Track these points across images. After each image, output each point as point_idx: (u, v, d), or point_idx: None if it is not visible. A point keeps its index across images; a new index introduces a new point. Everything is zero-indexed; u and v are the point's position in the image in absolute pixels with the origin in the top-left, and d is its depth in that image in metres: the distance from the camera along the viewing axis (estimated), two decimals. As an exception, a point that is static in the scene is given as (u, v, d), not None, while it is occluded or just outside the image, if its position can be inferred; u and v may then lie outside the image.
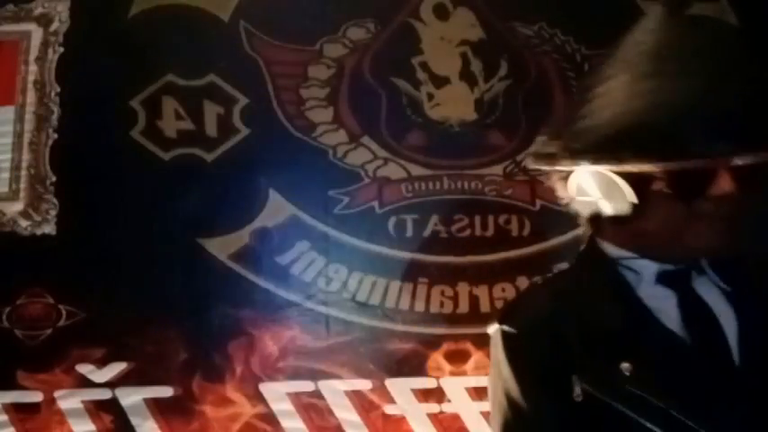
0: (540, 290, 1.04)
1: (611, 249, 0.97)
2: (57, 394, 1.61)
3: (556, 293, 0.99)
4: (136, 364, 1.64)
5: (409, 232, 1.77)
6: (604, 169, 0.90)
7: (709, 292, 0.93)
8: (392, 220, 1.78)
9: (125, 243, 1.69)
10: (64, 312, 1.66)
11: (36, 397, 1.61)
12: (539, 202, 1.81)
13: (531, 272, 1.76)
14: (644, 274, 0.94)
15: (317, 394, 1.66)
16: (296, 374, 1.67)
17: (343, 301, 1.72)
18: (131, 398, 1.62)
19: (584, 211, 0.98)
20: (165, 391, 1.63)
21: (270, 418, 1.64)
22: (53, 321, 1.66)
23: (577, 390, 0.88)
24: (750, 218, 0.92)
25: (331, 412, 1.65)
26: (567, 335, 0.91)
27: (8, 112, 1.77)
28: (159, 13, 1.83)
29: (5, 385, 1.61)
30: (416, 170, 1.80)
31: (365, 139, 1.81)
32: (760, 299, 0.93)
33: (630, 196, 0.89)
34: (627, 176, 0.89)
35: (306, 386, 1.66)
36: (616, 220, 0.93)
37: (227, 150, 1.77)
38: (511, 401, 0.95)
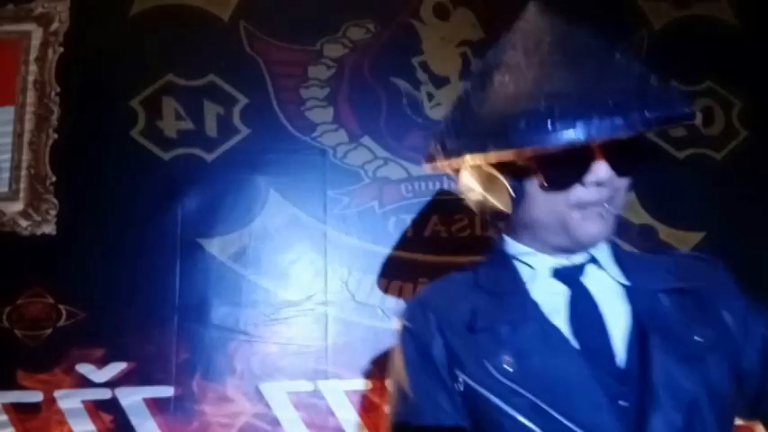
0: (442, 285, 1.05)
1: (511, 244, 1.00)
2: (57, 394, 1.61)
3: (455, 288, 1.01)
4: (136, 364, 1.64)
5: (409, 232, 1.77)
6: (481, 164, 0.92)
7: (604, 288, 0.93)
8: (392, 220, 1.78)
9: (125, 243, 1.69)
10: (64, 312, 1.66)
11: (36, 397, 1.61)
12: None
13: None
14: (539, 269, 0.95)
15: (317, 394, 1.66)
16: (296, 374, 1.67)
17: (342, 301, 1.72)
18: (131, 398, 1.62)
19: (476, 207, 1.00)
20: (165, 391, 1.63)
21: (270, 418, 1.64)
22: (53, 321, 1.66)
23: (459, 380, 0.90)
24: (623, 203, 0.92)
25: (331, 412, 1.65)
26: (455, 328, 0.93)
27: (8, 112, 1.77)
28: (159, 13, 1.83)
29: (5, 385, 1.61)
30: (416, 170, 1.80)
31: (365, 139, 1.81)
32: (662, 294, 0.93)
33: (509, 188, 0.90)
34: (503, 169, 0.90)
35: (306, 386, 1.66)
36: (504, 213, 0.94)
37: (227, 150, 1.78)
38: (401, 392, 0.97)
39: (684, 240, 1.82)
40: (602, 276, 0.94)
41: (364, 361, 1.68)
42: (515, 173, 0.90)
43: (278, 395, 1.65)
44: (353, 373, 1.67)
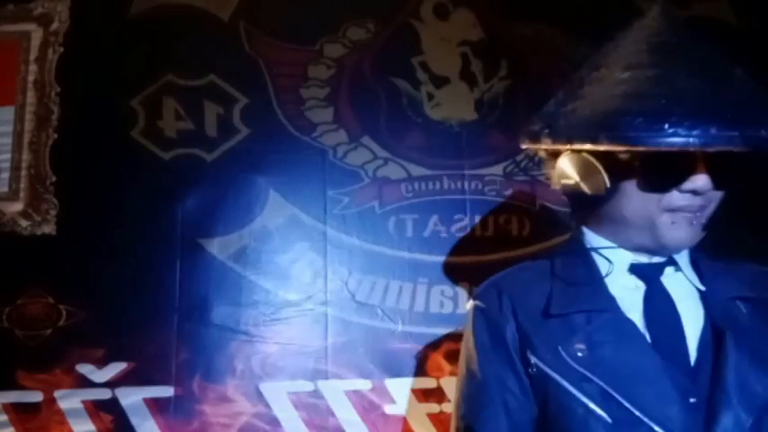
0: (517, 271, 1.07)
1: (591, 237, 1.01)
2: (57, 394, 1.61)
3: (531, 276, 1.03)
4: (136, 364, 1.64)
5: (409, 232, 1.77)
6: (583, 152, 0.93)
7: (681, 288, 0.96)
8: (392, 220, 1.78)
9: (125, 243, 1.69)
10: (64, 312, 1.66)
11: (36, 397, 1.61)
12: (539, 202, 1.81)
13: (531, 272, 1.77)
14: (618, 263, 0.97)
15: (317, 394, 1.66)
16: (296, 374, 1.67)
17: (342, 301, 1.72)
18: (131, 398, 1.62)
19: (568, 195, 1.02)
20: (165, 391, 1.63)
21: (270, 418, 1.64)
22: (53, 321, 1.66)
23: (532, 363, 0.93)
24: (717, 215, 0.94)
25: (331, 412, 1.65)
26: (529, 313, 0.96)
27: (8, 112, 1.77)
28: (159, 13, 1.83)
29: (5, 385, 1.61)
30: (416, 170, 1.80)
31: (365, 139, 1.81)
32: (733, 303, 0.95)
33: (606, 180, 0.91)
34: (605, 161, 0.91)
35: (306, 386, 1.66)
36: (594, 204, 0.96)
37: (227, 150, 1.77)
38: (470, 371, 0.99)
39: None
40: (680, 278, 0.97)
41: (364, 361, 1.68)
42: (615, 167, 0.91)
43: (278, 395, 1.65)
44: (353, 373, 1.67)
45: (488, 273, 1.10)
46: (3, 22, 1.81)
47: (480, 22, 1.89)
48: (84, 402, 1.61)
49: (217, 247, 1.72)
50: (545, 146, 0.98)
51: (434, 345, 1.70)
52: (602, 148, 0.87)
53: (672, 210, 0.90)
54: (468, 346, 1.01)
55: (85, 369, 1.63)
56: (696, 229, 0.93)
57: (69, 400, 1.61)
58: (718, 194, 0.92)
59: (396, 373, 1.68)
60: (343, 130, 1.81)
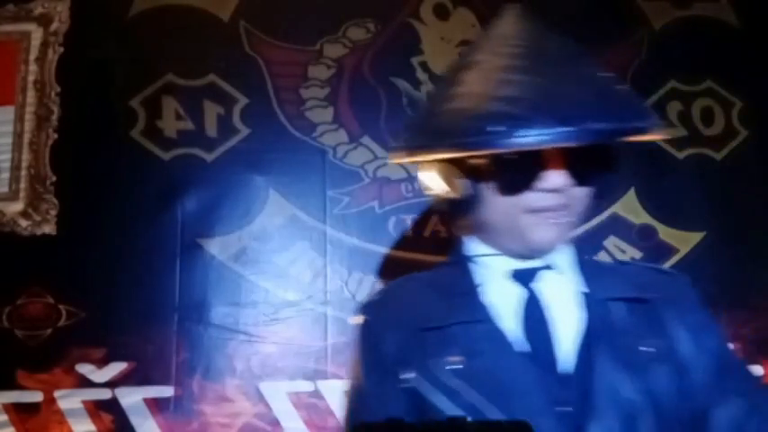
0: (403, 283, 1.07)
1: (469, 245, 1.00)
2: (57, 394, 1.61)
3: (415, 287, 1.02)
4: (136, 364, 1.64)
5: (409, 232, 1.77)
6: (441, 163, 0.93)
7: (562, 293, 0.93)
8: (392, 220, 1.78)
9: (125, 243, 1.69)
10: (64, 312, 1.66)
11: (36, 397, 1.61)
12: (539, 202, 1.81)
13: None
14: (495, 271, 0.95)
15: (317, 394, 1.66)
16: (296, 374, 1.67)
17: (342, 301, 1.72)
18: (131, 398, 1.62)
19: (437, 206, 1.00)
20: (165, 391, 1.63)
21: (270, 418, 1.64)
22: (53, 321, 1.66)
23: (406, 378, 0.91)
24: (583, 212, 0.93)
25: (331, 412, 1.65)
26: (408, 326, 0.94)
27: (8, 112, 1.77)
28: (159, 13, 1.83)
29: (5, 385, 1.61)
30: (416, 170, 1.80)
31: (365, 139, 1.81)
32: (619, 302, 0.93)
33: (466, 186, 0.91)
34: (462, 168, 0.91)
35: (306, 386, 1.66)
36: (464, 212, 0.95)
37: (227, 150, 1.77)
38: (354, 386, 0.99)
39: (684, 240, 1.82)
40: (561, 282, 0.95)
41: (364, 361, 1.68)
42: (473, 174, 0.90)
43: (278, 395, 1.65)
44: (353, 373, 1.67)
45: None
46: (3, 22, 1.81)
47: (480, 22, 1.89)
48: (84, 402, 1.61)
49: (217, 247, 1.72)
50: (404, 159, 0.97)
51: (434, 345, 1.70)
52: (446, 155, 0.88)
53: (533, 211, 0.89)
54: (354, 360, 1.01)
55: (85, 369, 1.63)
56: (562, 228, 0.91)
57: (69, 400, 1.61)
58: (582, 191, 0.90)
59: (396, 373, 1.67)
60: (343, 130, 1.81)
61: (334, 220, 1.76)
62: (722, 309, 1.77)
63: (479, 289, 0.95)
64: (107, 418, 1.61)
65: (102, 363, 1.64)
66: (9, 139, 1.75)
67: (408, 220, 1.78)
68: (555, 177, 0.86)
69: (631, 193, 1.84)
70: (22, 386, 1.61)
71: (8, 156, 1.75)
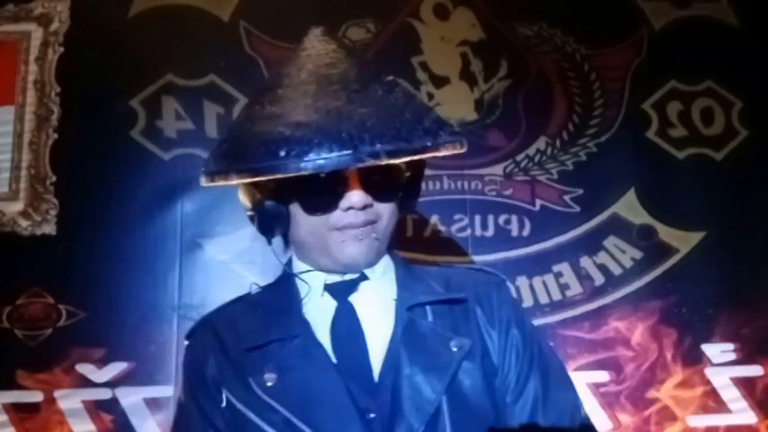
0: (229, 305, 1.07)
1: (294, 262, 1.02)
2: (57, 394, 1.61)
3: (240, 309, 1.03)
4: (136, 364, 1.64)
5: (409, 232, 1.77)
6: (246, 186, 0.94)
7: (375, 303, 0.96)
8: (392, 220, 1.77)
9: (125, 243, 1.69)
10: (64, 312, 1.66)
11: (36, 397, 1.61)
12: (539, 202, 1.81)
13: (531, 272, 1.77)
14: (314, 286, 0.97)
15: (317, 394, 1.66)
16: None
17: (343, 301, 1.72)
18: (131, 398, 1.62)
19: (255, 226, 1.00)
20: (165, 391, 1.63)
21: (270, 418, 1.64)
22: (53, 321, 1.66)
23: (222, 398, 0.93)
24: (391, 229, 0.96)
25: (331, 412, 1.65)
26: (230, 348, 0.96)
27: (8, 112, 1.77)
28: (159, 13, 1.83)
29: (5, 385, 1.61)
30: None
31: (365, 139, 1.81)
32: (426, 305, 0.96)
33: (274, 209, 0.93)
34: (266, 191, 0.93)
35: (306, 386, 1.66)
36: (280, 231, 0.96)
37: (227, 150, 1.77)
38: (179, 404, 1.01)
39: (684, 240, 1.82)
40: (375, 292, 0.97)
41: (364, 361, 1.68)
42: (278, 195, 0.92)
43: (278, 395, 1.65)
44: (353, 373, 1.67)
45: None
46: (3, 22, 1.81)
47: (480, 22, 1.89)
48: (84, 402, 1.61)
49: (217, 247, 1.72)
50: (203, 183, 0.95)
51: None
52: (241, 180, 0.89)
53: (338, 228, 0.91)
54: (181, 381, 1.02)
55: (85, 369, 1.63)
56: (370, 244, 0.93)
57: (69, 400, 1.61)
58: (387, 207, 0.93)
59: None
60: (343, 130, 1.81)
61: (334, 220, 1.76)
62: (722, 309, 1.77)
63: (301, 304, 0.97)
64: (107, 418, 1.61)
65: (102, 363, 1.64)
66: (9, 139, 1.75)
67: (408, 220, 1.78)
68: (355, 196, 0.89)
69: (631, 193, 1.84)
70: (22, 386, 1.61)
71: (8, 156, 1.75)
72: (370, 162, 0.83)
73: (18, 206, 1.72)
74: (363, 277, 0.97)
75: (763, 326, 1.78)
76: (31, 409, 1.60)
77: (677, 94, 1.92)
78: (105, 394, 1.62)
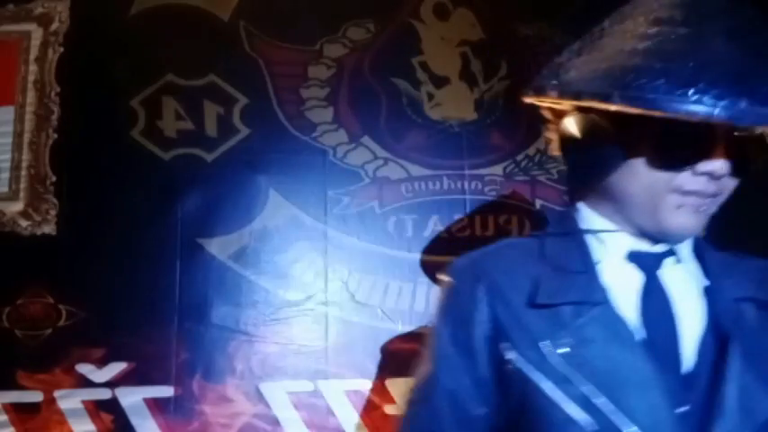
0: (502, 249, 0.94)
1: (586, 215, 0.90)
2: (57, 394, 1.61)
3: (516, 255, 0.91)
4: (136, 364, 1.64)
5: (409, 232, 1.77)
6: (592, 112, 0.82)
7: (682, 284, 0.85)
8: (392, 220, 1.78)
9: (125, 243, 1.69)
10: (64, 312, 1.66)
11: (36, 397, 1.61)
12: (539, 202, 1.81)
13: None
14: (614, 249, 0.86)
15: (317, 394, 1.66)
16: (296, 374, 1.67)
17: (343, 301, 1.72)
18: (131, 398, 1.62)
19: (569, 164, 0.90)
20: (165, 391, 1.63)
21: (270, 418, 1.64)
22: (53, 321, 1.66)
23: (507, 358, 0.83)
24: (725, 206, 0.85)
25: (331, 412, 1.65)
26: (509, 300, 0.85)
27: (8, 112, 1.77)
28: (159, 13, 1.83)
29: (5, 385, 1.61)
30: (416, 170, 1.80)
31: (365, 139, 1.81)
32: (742, 298, 0.85)
33: (615, 148, 0.81)
34: (616, 126, 0.80)
35: (306, 386, 1.66)
36: (597, 176, 0.85)
37: (227, 150, 1.77)
38: (428, 354, 0.91)
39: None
40: (682, 272, 0.86)
41: (364, 361, 1.68)
42: (626, 135, 0.79)
43: (278, 395, 1.65)
44: (353, 373, 1.67)
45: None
46: (3, 22, 1.81)
47: (480, 22, 1.89)
48: (84, 402, 1.61)
49: (217, 247, 1.72)
50: (550, 100, 0.86)
51: (434, 345, 1.70)
52: (613, 107, 0.76)
53: (682, 192, 0.79)
54: (434, 327, 0.91)
55: (85, 369, 1.63)
56: (702, 217, 0.82)
57: (69, 400, 1.61)
58: (733, 183, 0.81)
59: (396, 373, 1.67)
60: (343, 130, 1.81)
61: (334, 220, 1.76)
62: None
63: (598, 267, 0.85)
64: (107, 418, 1.61)
65: (102, 363, 1.64)
66: (9, 139, 1.75)
67: (408, 220, 1.78)
68: (718, 162, 0.77)
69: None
70: (22, 386, 1.61)
71: (8, 156, 1.75)
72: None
73: (18, 206, 1.72)
74: (670, 252, 0.85)
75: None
76: (31, 409, 1.60)
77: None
78: (105, 394, 1.62)
